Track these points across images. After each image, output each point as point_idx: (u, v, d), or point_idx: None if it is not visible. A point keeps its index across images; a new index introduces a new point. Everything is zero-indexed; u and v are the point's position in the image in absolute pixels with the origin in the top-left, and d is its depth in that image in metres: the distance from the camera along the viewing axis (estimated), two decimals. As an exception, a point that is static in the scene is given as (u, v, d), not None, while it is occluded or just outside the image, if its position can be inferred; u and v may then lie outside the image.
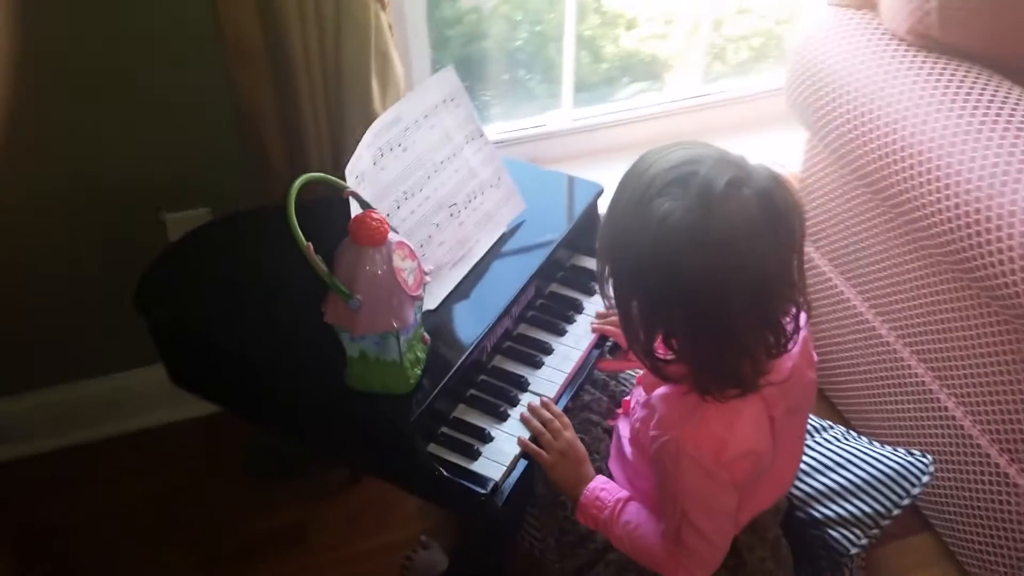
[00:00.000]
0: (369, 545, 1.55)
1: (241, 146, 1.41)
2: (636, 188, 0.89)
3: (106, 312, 1.56)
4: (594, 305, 1.34)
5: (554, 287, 1.37)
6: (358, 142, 1.35)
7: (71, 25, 1.29)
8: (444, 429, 1.13)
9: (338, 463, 1.64)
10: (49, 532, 1.57)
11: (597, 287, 1.35)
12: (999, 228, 1.16)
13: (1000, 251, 1.16)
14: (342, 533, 1.57)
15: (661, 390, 1.01)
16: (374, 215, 0.96)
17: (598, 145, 1.98)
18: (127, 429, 1.72)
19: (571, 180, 1.45)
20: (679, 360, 0.96)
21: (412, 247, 1.01)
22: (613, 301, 0.98)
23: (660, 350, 0.97)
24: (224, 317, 1.20)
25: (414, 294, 0.99)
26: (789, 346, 0.95)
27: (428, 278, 1.03)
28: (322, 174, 0.98)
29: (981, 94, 1.27)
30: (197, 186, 1.49)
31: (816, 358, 1.08)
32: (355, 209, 1.04)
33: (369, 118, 1.34)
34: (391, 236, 0.97)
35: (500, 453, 1.11)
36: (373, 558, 1.53)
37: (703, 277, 0.86)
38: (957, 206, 1.22)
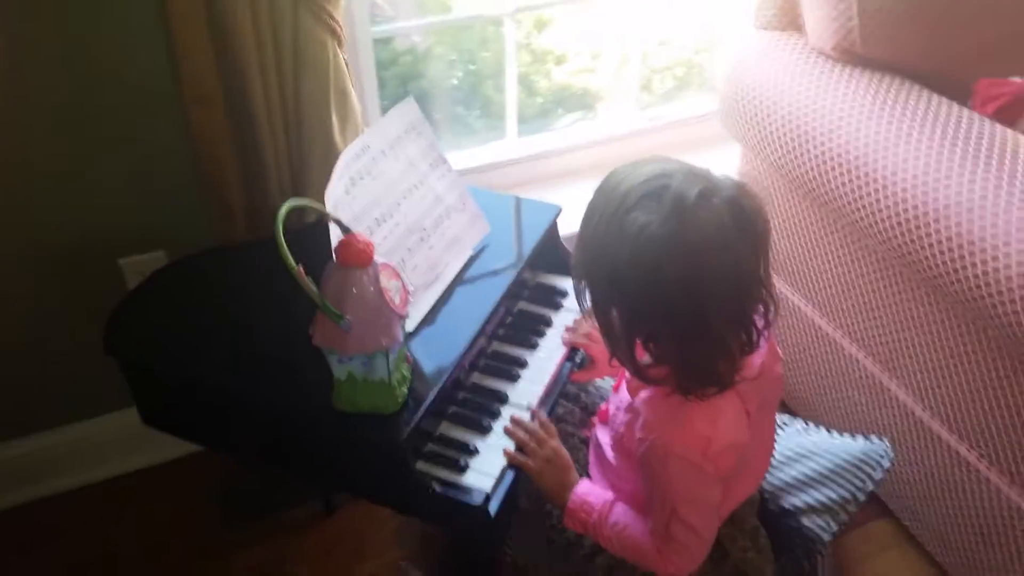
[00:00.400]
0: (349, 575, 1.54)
1: (200, 189, 1.42)
2: (609, 203, 0.94)
3: (67, 360, 1.55)
4: (562, 320, 1.38)
5: (522, 305, 1.41)
6: (320, 179, 1.39)
7: (26, 69, 1.28)
8: (430, 446, 1.15)
9: (313, 496, 1.63)
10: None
11: (566, 302, 1.41)
12: (936, 221, 1.25)
13: (940, 243, 1.25)
14: (320, 565, 1.56)
15: (644, 394, 1.05)
16: (359, 237, 0.98)
17: (543, 173, 2.05)
18: (92, 479, 1.69)
19: (529, 203, 1.50)
20: (660, 363, 1.00)
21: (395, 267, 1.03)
22: (591, 313, 1.02)
23: (641, 355, 1.02)
24: (199, 353, 1.20)
25: (401, 312, 1.01)
26: (760, 342, 1.01)
27: (412, 298, 1.05)
28: (308, 200, 1.00)
29: (907, 102, 1.38)
30: (152, 230, 1.49)
31: (781, 353, 1.14)
32: (335, 234, 1.06)
33: (330, 155, 1.38)
34: (376, 257, 0.99)
35: (487, 464, 1.14)
36: (354, 588, 1.53)
37: (682, 283, 0.90)
38: (895, 204, 1.31)
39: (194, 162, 1.39)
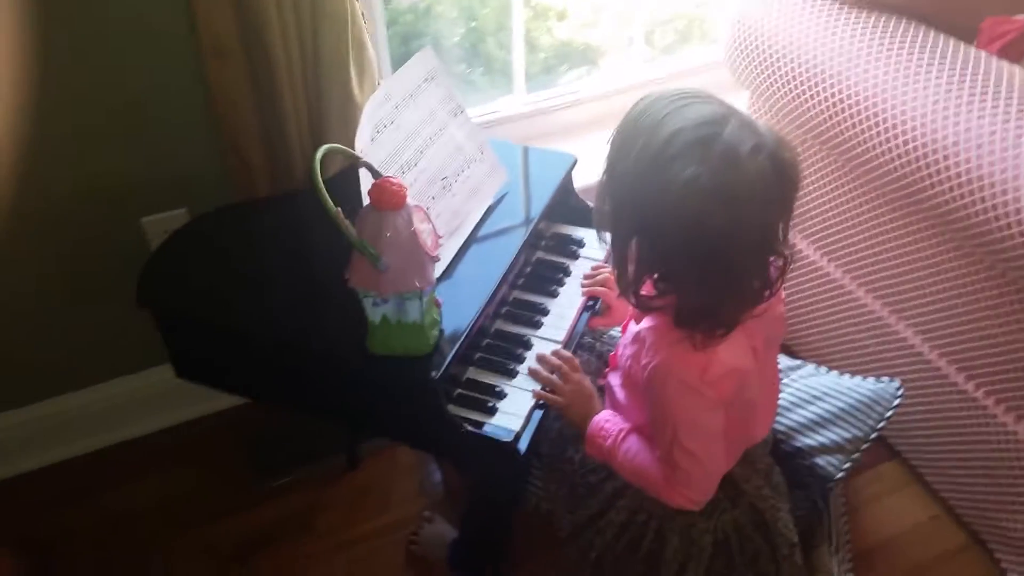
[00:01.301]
0: (374, 525, 1.58)
1: (219, 144, 1.42)
2: (650, 144, 0.92)
3: (93, 320, 1.56)
4: (580, 268, 1.41)
5: (540, 254, 1.43)
6: (339, 131, 1.40)
7: (43, 28, 1.28)
8: (459, 391, 1.18)
9: (338, 450, 1.66)
10: (51, 545, 1.55)
11: (583, 251, 1.44)
12: (946, 158, 1.28)
13: (949, 179, 1.27)
14: (346, 517, 1.59)
15: (648, 321, 1.07)
16: (392, 181, 1.00)
17: (550, 127, 2.06)
18: (123, 436, 1.72)
19: (545, 153, 1.52)
20: (664, 295, 1.02)
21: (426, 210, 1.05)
22: (609, 246, 1.04)
23: (648, 287, 1.04)
24: (234, 301, 1.22)
25: (433, 254, 1.03)
26: (768, 295, 1.03)
27: (442, 240, 1.07)
28: (340, 146, 1.01)
29: (913, 42, 1.40)
30: (173, 187, 1.50)
31: (783, 294, 1.16)
32: (365, 179, 1.07)
33: (349, 106, 1.39)
34: (409, 200, 1.01)
35: (515, 405, 1.17)
36: (380, 537, 1.56)
37: (722, 233, 0.91)
38: (905, 143, 1.33)
39: (213, 117, 1.39)
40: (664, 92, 0.96)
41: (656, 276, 1.02)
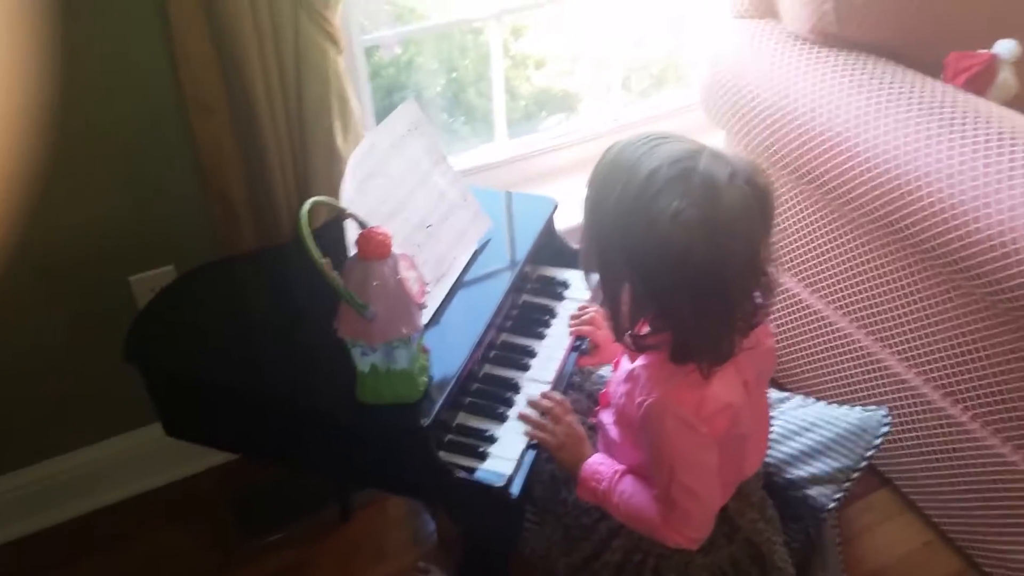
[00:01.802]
0: (368, 578, 1.57)
1: (205, 199, 1.44)
2: (630, 186, 0.94)
3: (80, 381, 1.56)
4: (566, 309, 1.42)
5: (526, 297, 1.44)
6: (324, 183, 1.42)
7: (26, 83, 1.28)
8: (450, 436, 1.18)
9: (329, 502, 1.65)
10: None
11: (568, 292, 1.45)
12: (919, 189, 1.31)
13: (923, 209, 1.31)
14: (340, 570, 1.58)
15: (642, 360, 1.09)
16: (378, 230, 1.01)
17: (531, 173, 2.10)
18: (110, 500, 1.70)
19: (526, 197, 1.54)
20: (658, 332, 1.04)
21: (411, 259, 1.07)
22: (600, 290, 1.06)
23: (641, 326, 1.05)
24: (222, 357, 1.23)
25: (420, 301, 1.04)
26: (759, 318, 1.05)
27: (428, 287, 1.09)
28: (326, 198, 1.03)
29: (882, 78, 1.44)
30: (161, 245, 1.51)
31: (772, 328, 1.18)
32: (351, 230, 1.09)
33: (333, 159, 1.41)
34: (394, 248, 1.03)
35: (507, 449, 1.17)
36: (374, 590, 1.55)
37: (711, 263, 0.93)
38: (879, 176, 1.37)
39: (199, 172, 1.41)
40: (632, 138, 0.99)
41: (652, 315, 1.03)
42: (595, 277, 1.06)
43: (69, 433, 1.63)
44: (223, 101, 1.33)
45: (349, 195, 1.14)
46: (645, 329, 1.06)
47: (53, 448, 1.63)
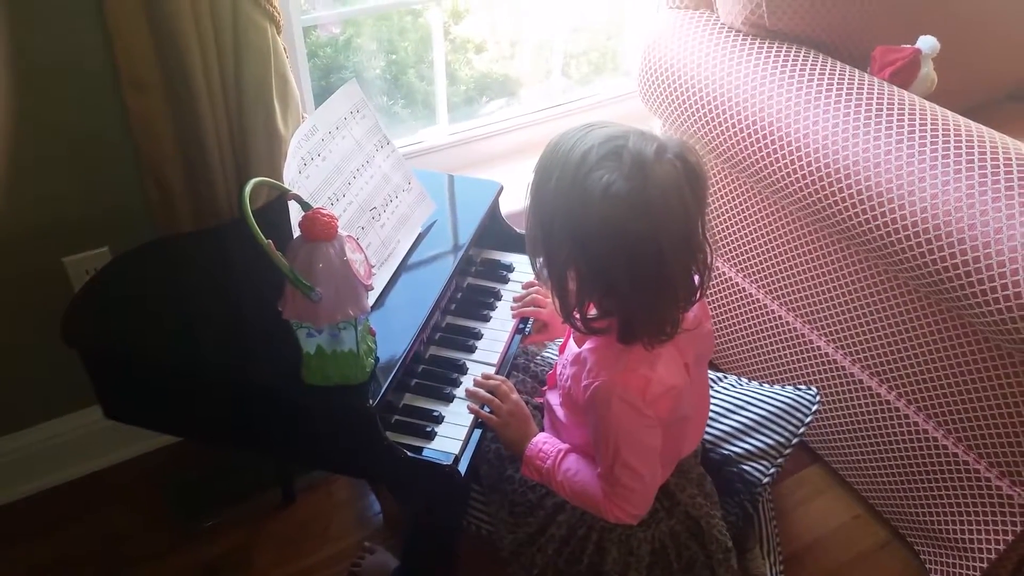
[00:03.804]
0: (314, 560, 1.56)
1: (141, 180, 1.41)
2: (567, 166, 0.98)
3: (15, 364, 1.52)
4: (510, 292, 1.44)
5: (470, 280, 1.46)
6: (263, 164, 1.40)
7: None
8: (397, 417, 1.19)
9: (272, 485, 1.64)
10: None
11: (512, 275, 1.47)
12: (847, 178, 1.36)
13: (851, 197, 1.36)
14: (285, 552, 1.57)
15: (589, 343, 1.12)
16: (323, 212, 1.01)
17: (473, 157, 2.10)
18: (46, 484, 1.67)
19: (471, 181, 1.55)
20: (606, 316, 1.07)
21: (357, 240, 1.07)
22: (546, 276, 1.08)
23: (588, 309, 1.08)
24: (163, 338, 1.21)
25: (367, 283, 1.05)
26: (699, 295, 1.09)
27: (375, 270, 1.09)
28: (269, 179, 1.02)
29: (813, 70, 1.49)
30: (95, 226, 1.47)
31: (709, 311, 1.23)
32: (295, 211, 1.09)
33: (273, 140, 1.40)
34: (340, 231, 1.03)
35: (453, 429, 1.19)
36: (320, 571, 1.55)
37: (646, 238, 0.96)
38: (808, 164, 1.42)
39: (134, 150, 1.37)
40: (568, 129, 1.03)
41: (599, 296, 1.05)
42: (541, 262, 1.08)
43: (6, 416, 1.58)
44: (158, 78, 1.30)
45: (292, 176, 1.13)
46: (592, 312, 1.08)
47: (-3, 428, 1.58)
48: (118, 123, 1.38)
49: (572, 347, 1.17)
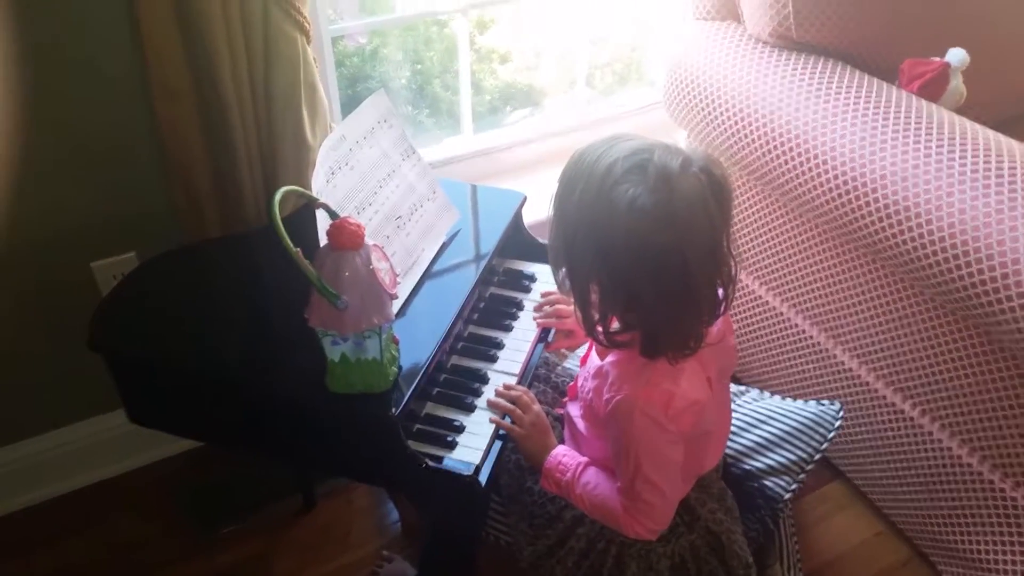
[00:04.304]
0: (332, 567, 1.57)
1: (169, 186, 1.43)
2: (592, 179, 0.98)
3: (43, 368, 1.54)
4: (532, 302, 1.44)
5: (493, 289, 1.46)
6: (292, 173, 1.42)
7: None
8: (418, 426, 1.20)
9: (292, 492, 1.65)
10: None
11: (535, 285, 1.47)
12: (874, 191, 1.35)
13: (878, 211, 1.35)
14: (304, 559, 1.58)
15: (611, 356, 1.11)
16: (350, 221, 1.02)
17: (496, 167, 2.11)
18: (70, 487, 1.68)
19: (494, 191, 1.56)
20: (628, 329, 1.06)
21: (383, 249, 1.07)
22: (569, 288, 1.08)
23: (611, 322, 1.07)
24: (189, 344, 1.22)
25: (392, 292, 1.05)
26: (723, 309, 1.08)
27: (400, 279, 1.09)
28: (298, 187, 1.03)
29: (840, 82, 1.48)
30: (123, 231, 1.49)
31: (733, 325, 1.22)
32: (323, 220, 1.09)
33: (301, 149, 1.41)
34: (367, 239, 1.03)
35: (474, 439, 1.19)
36: (339, 578, 1.55)
37: (670, 251, 0.96)
38: (835, 177, 1.41)
39: (163, 159, 1.39)
40: (593, 142, 1.03)
41: (622, 310, 1.05)
42: (563, 274, 1.08)
43: (30, 420, 1.60)
44: (189, 86, 1.32)
45: (320, 185, 1.14)
46: (615, 325, 1.08)
47: (12, 435, 1.60)
48: (147, 129, 1.40)
49: (594, 359, 1.16)
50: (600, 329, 1.07)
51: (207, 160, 1.39)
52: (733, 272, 1.05)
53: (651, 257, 0.96)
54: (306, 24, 1.32)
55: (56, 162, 1.39)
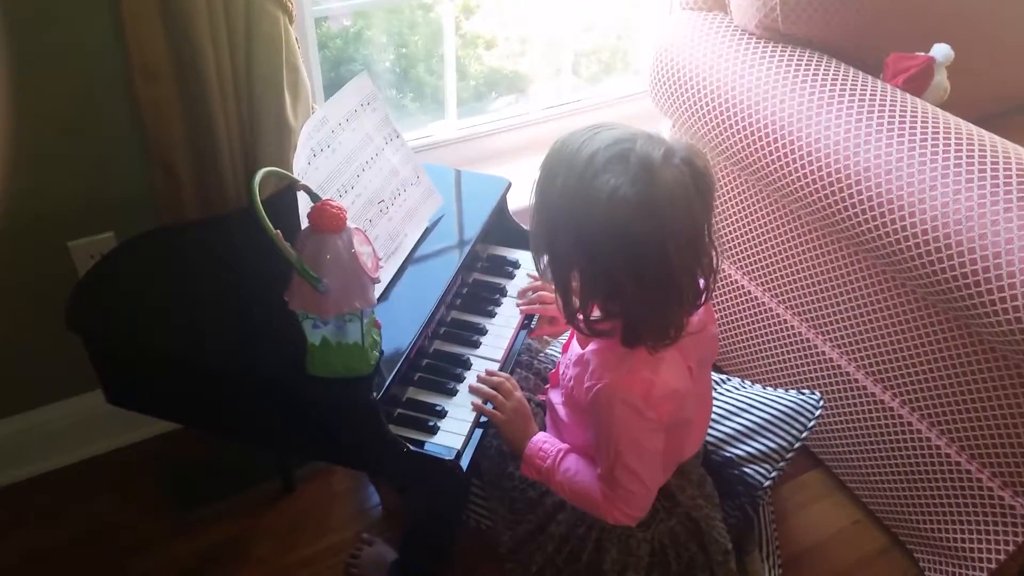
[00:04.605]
0: (311, 551, 1.56)
1: (148, 167, 1.41)
2: (573, 168, 0.98)
3: (17, 347, 1.52)
4: (515, 288, 1.43)
5: (476, 275, 1.45)
6: (272, 154, 1.40)
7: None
8: (400, 410, 1.19)
9: (272, 475, 1.64)
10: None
11: (518, 272, 1.47)
12: (857, 183, 1.36)
13: (861, 203, 1.36)
14: (283, 543, 1.57)
15: (592, 345, 1.12)
16: (332, 203, 1.01)
17: (480, 153, 2.10)
18: (46, 468, 1.67)
19: (479, 176, 1.55)
20: (609, 318, 1.06)
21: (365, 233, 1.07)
22: (549, 276, 1.07)
23: (591, 311, 1.07)
24: (168, 326, 1.21)
25: (374, 276, 1.05)
26: (704, 299, 1.08)
27: (382, 263, 1.09)
28: (279, 169, 1.02)
29: (826, 75, 1.48)
30: (101, 211, 1.47)
31: (715, 315, 1.22)
32: (304, 202, 1.08)
33: (283, 130, 1.39)
34: (349, 223, 1.02)
35: (456, 424, 1.18)
36: (318, 562, 1.54)
37: (652, 241, 0.96)
38: (819, 169, 1.42)
39: (143, 139, 1.37)
40: (576, 129, 1.02)
41: (602, 298, 1.05)
42: (545, 262, 1.07)
43: (6, 399, 1.58)
44: (170, 67, 1.29)
45: (301, 167, 1.13)
46: (595, 313, 1.08)
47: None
48: (126, 110, 1.38)
49: (575, 348, 1.16)
50: (580, 317, 1.07)
51: (187, 141, 1.37)
52: (715, 262, 1.05)
53: (631, 247, 0.96)
54: (289, 4, 1.31)
55: (35, 142, 1.37)
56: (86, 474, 1.68)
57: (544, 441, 1.21)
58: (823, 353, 1.63)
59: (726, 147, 1.61)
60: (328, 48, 1.95)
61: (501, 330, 1.35)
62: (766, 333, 1.76)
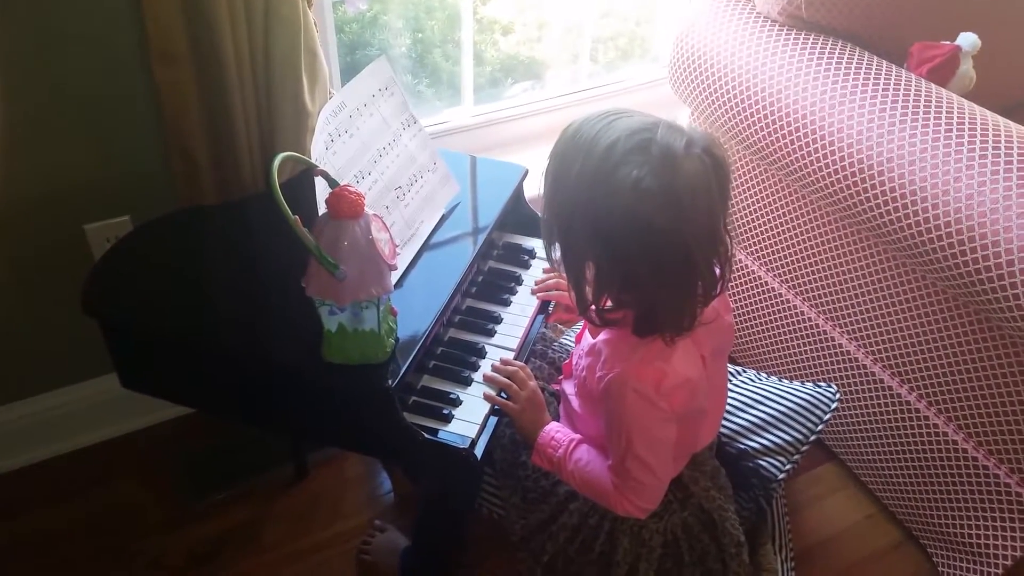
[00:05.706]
0: (324, 536, 1.57)
1: (165, 150, 1.41)
2: (590, 159, 0.96)
3: (34, 330, 1.52)
4: (531, 277, 1.43)
5: (492, 263, 1.45)
6: (290, 139, 1.40)
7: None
8: (415, 398, 1.19)
9: (285, 461, 1.65)
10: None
11: (534, 260, 1.46)
12: (880, 174, 1.34)
13: (883, 194, 1.34)
14: (295, 528, 1.58)
15: (604, 334, 1.11)
16: (351, 189, 1.00)
17: (496, 139, 2.09)
18: (61, 450, 1.67)
19: (495, 164, 1.54)
20: (621, 307, 1.06)
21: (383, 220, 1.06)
22: (562, 265, 1.06)
23: (603, 300, 1.06)
24: (184, 310, 1.21)
25: (391, 263, 1.04)
26: (720, 288, 1.07)
27: (399, 249, 1.08)
28: (298, 154, 1.01)
29: (849, 64, 1.46)
30: (117, 194, 1.47)
31: (731, 305, 1.21)
32: (322, 188, 1.08)
33: (300, 115, 1.39)
34: (366, 209, 1.02)
35: (470, 413, 1.18)
36: (330, 547, 1.55)
37: (673, 232, 0.95)
38: (841, 160, 1.40)
39: (160, 122, 1.37)
40: (590, 115, 1.00)
41: (618, 289, 1.04)
42: (556, 251, 1.06)
43: (20, 381, 1.58)
44: (188, 50, 1.28)
45: (319, 152, 1.12)
46: (608, 303, 1.07)
47: (3, 396, 1.58)
48: (143, 92, 1.37)
49: (588, 338, 1.16)
50: (593, 307, 1.06)
51: (204, 125, 1.36)
52: (729, 251, 1.04)
53: (652, 238, 0.95)
54: (307, -13, 1.30)
55: (52, 124, 1.36)
56: (100, 457, 1.68)
57: (557, 431, 1.20)
58: (840, 346, 1.62)
59: (746, 136, 1.59)
60: (344, 32, 1.94)
61: (516, 319, 1.35)
62: (783, 325, 1.75)
